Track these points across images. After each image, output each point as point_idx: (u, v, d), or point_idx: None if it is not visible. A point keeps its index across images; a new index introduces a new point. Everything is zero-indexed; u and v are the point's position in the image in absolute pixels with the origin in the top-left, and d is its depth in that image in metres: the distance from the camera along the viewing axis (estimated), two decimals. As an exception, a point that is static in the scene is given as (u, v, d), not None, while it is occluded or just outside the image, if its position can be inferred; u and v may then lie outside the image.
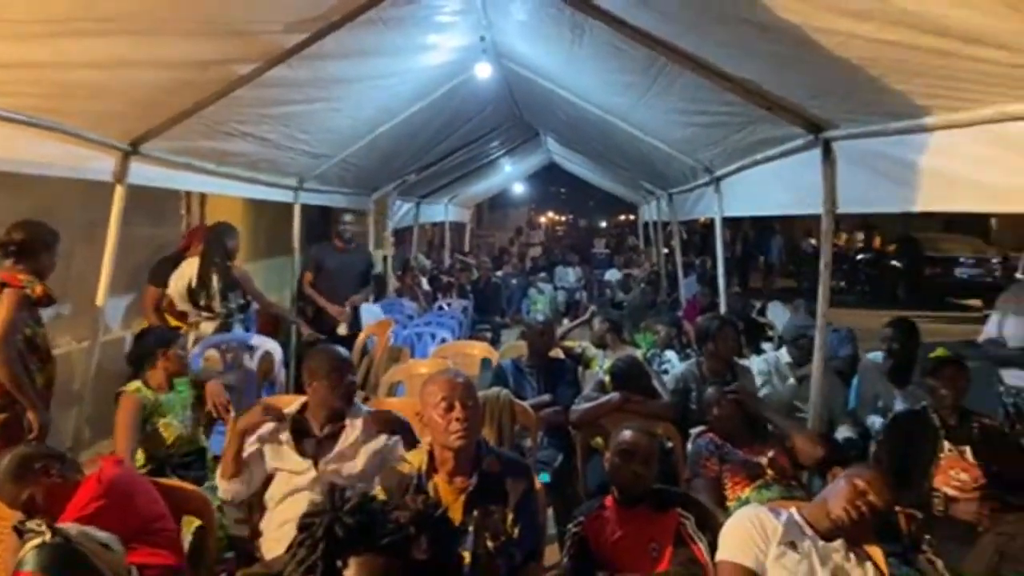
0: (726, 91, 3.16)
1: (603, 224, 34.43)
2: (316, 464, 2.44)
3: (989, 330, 3.22)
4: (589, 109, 5.24)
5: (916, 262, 14.31)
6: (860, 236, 18.39)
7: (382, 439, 2.51)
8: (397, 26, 3.44)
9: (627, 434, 2.41)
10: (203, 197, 6.19)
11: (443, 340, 5.98)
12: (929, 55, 1.80)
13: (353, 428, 2.50)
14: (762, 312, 6.61)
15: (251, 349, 4.32)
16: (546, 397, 3.71)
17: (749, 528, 2.07)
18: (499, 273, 12.23)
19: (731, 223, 15.22)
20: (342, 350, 2.67)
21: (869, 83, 2.21)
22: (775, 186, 3.91)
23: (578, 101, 5.22)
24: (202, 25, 2.58)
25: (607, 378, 3.59)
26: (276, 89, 3.49)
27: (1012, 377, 3.12)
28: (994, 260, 13.62)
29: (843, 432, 3.71)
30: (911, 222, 14.32)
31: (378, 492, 1.99)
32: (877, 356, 3.85)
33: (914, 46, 1.78)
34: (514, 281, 11.96)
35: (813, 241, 16.79)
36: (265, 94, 3.48)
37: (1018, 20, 1.43)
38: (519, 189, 21.91)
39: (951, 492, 2.81)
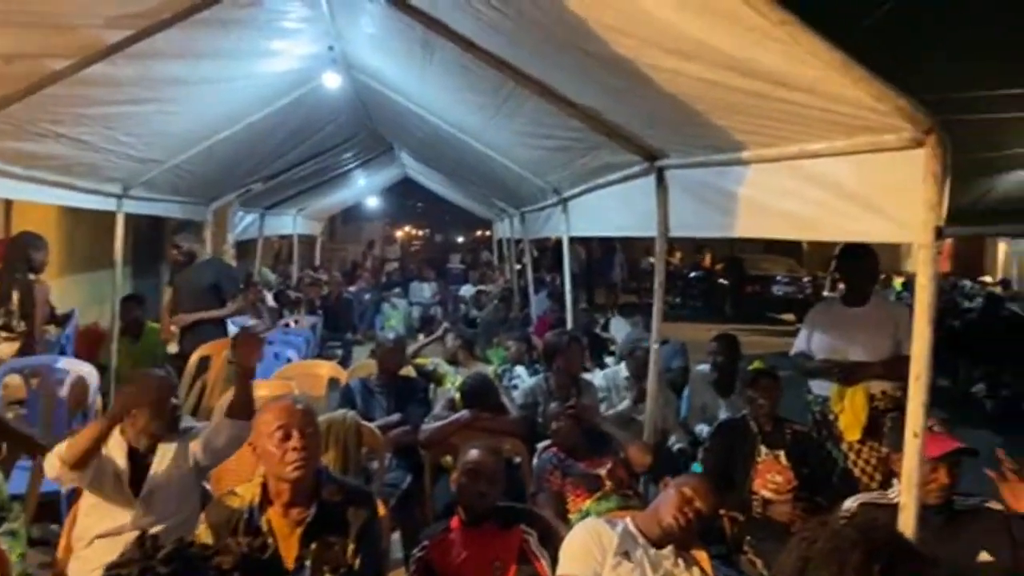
0: (571, 117, 3.30)
1: (460, 239, 34.65)
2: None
3: (799, 344, 3.56)
4: (442, 126, 5.26)
5: (740, 280, 15.69)
6: (707, 255, 19.87)
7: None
8: (237, 28, 3.26)
9: (473, 453, 2.41)
10: (8, 204, 5.51)
11: (288, 360, 5.71)
12: (745, 95, 1.97)
13: (165, 455, 2.31)
14: (605, 327, 6.92)
15: (60, 374, 3.87)
16: (395, 417, 3.64)
17: (587, 541, 2.13)
18: (351, 288, 11.92)
19: (581, 241, 15.94)
20: (160, 373, 2.47)
21: (695, 118, 2.38)
22: (616, 209, 4.12)
23: (431, 118, 5.22)
24: (6, 15, 2.30)
25: (457, 396, 3.58)
26: (97, 88, 3.18)
27: (817, 387, 3.46)
28: (805, 279, 15.26)
29: (676, 441, 3.95)
30: (736, 243, 15.71)
31: (202, 531, 1.84)
32: (704, 368, 4.16)
33: (732, 86, 1.94)
34: (367, 296, 11.71)
35: (652, 259, 17.91)
36: (84, 92, 3.16)
37: (816, 67, 1.60)
38: (374, 202, 21.52)
39: (768, 495, 3.07)
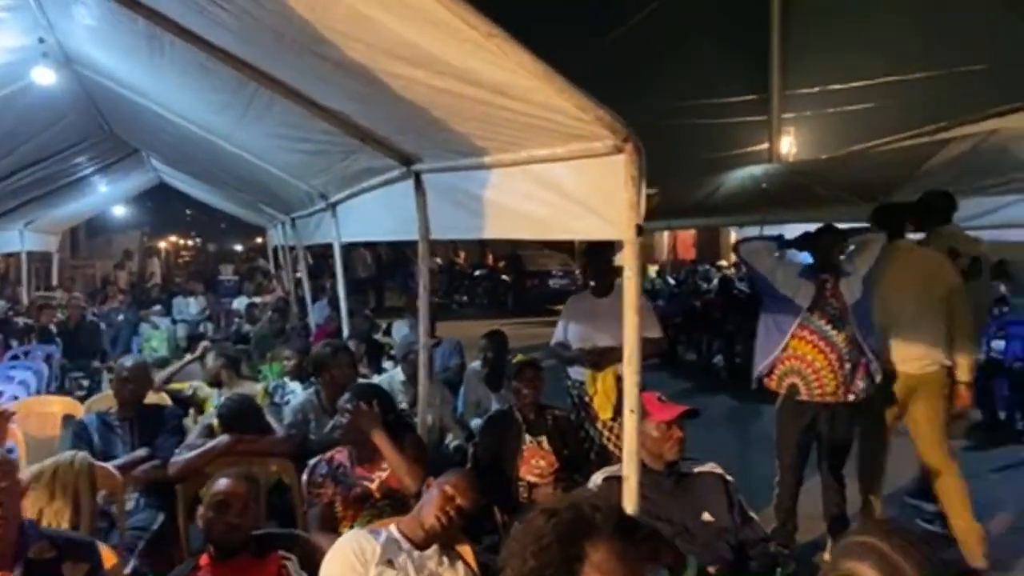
0: (323, 120, 3.21)
1: (239, 247, 32.37)
2: None
3: (557, 334, 3.80)
4: (188, 127, 4.84)
5: (520, 276, 16.51)
6: (489, 254, 20.49)
7: None
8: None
9: (221, 483, 2.24)
10: None
11: (15, 398, 4.92)
12: (475, 103, 2.05)
13: None
14: (388, 331, 6.86)
15: None
16: (141, 452, 3.28)
17: (348, 555, 2.09)
18: (102, 308, 10.59)
19: (370, 245, 15.70)
20: None
21: (438, 123, 2.44)
22: (382, 213, 4.10)
23: (175, 118, 4.79)
24: None
25: (215, 421, 3.32)
26: None
27: (574, 372, 3.73)
28: (577, 272, 16.44)
29: (453, 439, 4.03)
30: (517, 241, 16.51)
31: None
32: (476, 365, 4.29)
33: (460, 94, 2.01)
34: (121, 317, 10.47)
35: (439, 260, 18.20)
36: None
37: (526, 78, 1.70)
38: (126, 211, 19.34)
39: (532, 479, 3.24)
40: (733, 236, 16.40)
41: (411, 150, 3.17)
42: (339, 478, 2.87)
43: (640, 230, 1.79)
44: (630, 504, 1.89)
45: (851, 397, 3.62)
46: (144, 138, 6.91)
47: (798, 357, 3.67)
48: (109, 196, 11.92)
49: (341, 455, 2.91)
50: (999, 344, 6.79)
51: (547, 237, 2.28)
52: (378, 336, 6.35)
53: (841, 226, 4.00)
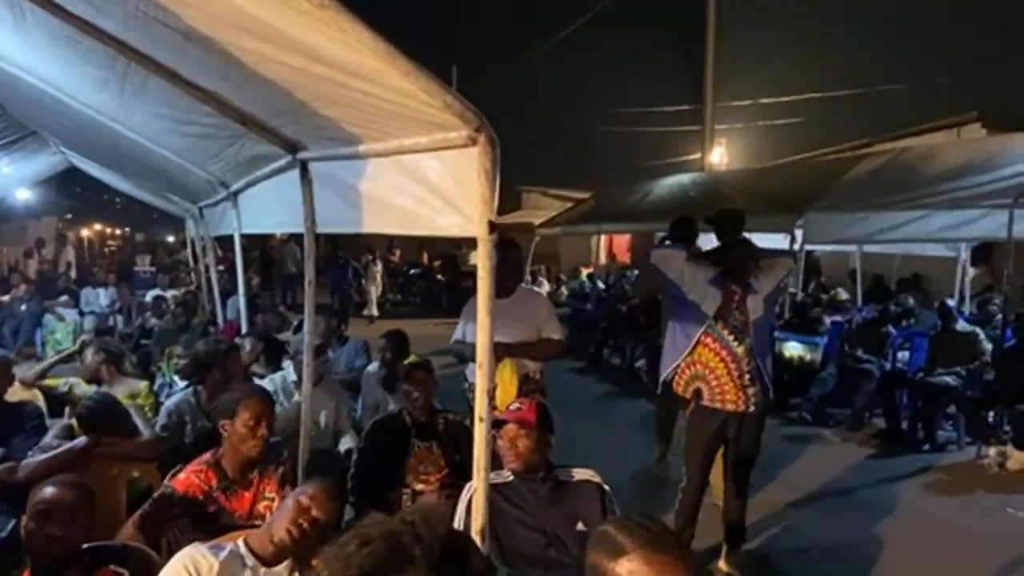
0: (201, 101, 2.99)
1: (171, 239, 31.08)
2: None
3: (457, 334, 3.68)
4: (77, 107, 4.51)
5: (455, 275, 16.34)
6: (424, 253, 20.18)
7: None
8: None
9: (46, 491, 2.04)
10: None
11: None
12: (332, 84, 1.89)
13: None
14: (300, 328, 6.60)
15: None
16: (-9, 453, 2.99)
17: (181, 573, 1.91)
18: (3, 299, 9.95)
19: (296, 237, 15.26)
20: None
21: (305, 107, 2.27)
22: (276, 203, 3.88)
23: (62, 96, 4.44)
24: None
25: (75, 421, 3.07)
26: None
27: (471, 373, 3.61)
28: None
29: (346, 443, 3.86)
30: (452, 239, 16.35)
31: None
32: (374, 366, 4.12)
33: (314, 73, 1.85)
34: (23, 307, 9.86)
35: (371, 257, 17.85)
36: None
37: (370, 57, 1.56)
38: (44, 196, 18.29)
39: (419, 486, 3.10)
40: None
41: (293, 136, 2.98)
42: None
43: (493, 227, 1.68)
44: (479, 517, 1.77)
45: (751, 408, 3.65)
46: (39, 118, 6.46)
47: (702, 363, 3.68)
48: (11, 179, 11.19)
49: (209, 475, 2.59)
50: (904, 355, 7.00)
51: (415, 232, 2.15)
52: (288, 334, 6.10)
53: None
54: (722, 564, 3.78)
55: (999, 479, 5.32)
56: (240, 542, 2.08)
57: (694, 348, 3.70)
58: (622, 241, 18.58)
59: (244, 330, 5.05)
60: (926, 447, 6.02)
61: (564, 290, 14.26)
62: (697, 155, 17.69)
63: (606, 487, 2.49)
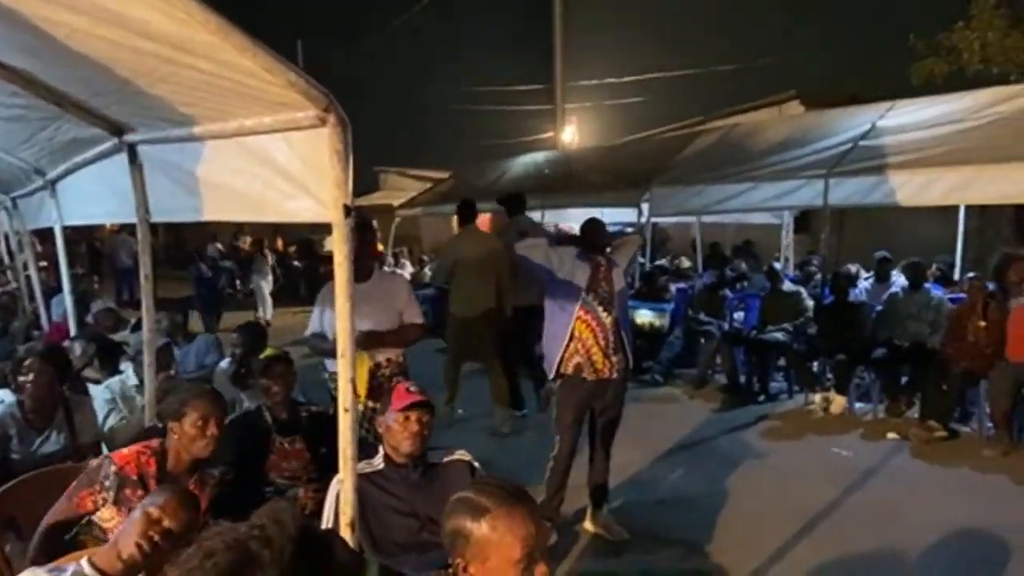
0: (7, 81, 2.64)
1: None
2: None
3: (313, 324, 3.56)
4: None
5: (313, 261, 15.73)
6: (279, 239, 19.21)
7: None
8: None
9: None
10: None
11: None
12: (160, 61, 1.74)
13: None
14: (138, 327, 6.09)
15: None
16: None
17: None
18: None
19: (130, 227, 13.96)
20: None
21: (129, 85, 2.08)
22: (103, 191, 3.53)
23: None
24: None
25: None
26: None
27: (331, 363, 3.51)
28: (372, 256, 16.04)
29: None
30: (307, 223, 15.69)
31: None
32: (225, 363, 3.90)
33: (138, 48, 1.69)
34: None
35: (220, 246, 16.80)
36: None
37: (201, 31, 1.45)
38: None
39: (282, 483, 2.98)
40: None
41: (119, 117, 2.72)
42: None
43: (349, 211, 1.63)
44: (348, 509, 1.73)
45: (615, 375, 3.84)
46: None
47: (581, 340, 3.81)
48: None
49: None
50: (739, 316, 7.64)
51: (263, 219, 2.04)
52: (125, 333, 5.60)
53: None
54: (588, 524, 3.97)
55: (824, 422, 5.98)
56: (84, 561, 1.91)
57: (574, 324, 3.81)
58: (483, 220, 18.73)
59: (74, 331, 4.58)
60: (761, 398, 6.63)
61: (427, 271, 14.19)
62: (550, 133, 18.15)
63: (476, 464, 2.53)
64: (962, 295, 6.21)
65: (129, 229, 13.83)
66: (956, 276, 7.61)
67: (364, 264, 3.59)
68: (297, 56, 22.26)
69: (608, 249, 4.01)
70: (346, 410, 1.75)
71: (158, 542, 1.91)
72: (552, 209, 10.39)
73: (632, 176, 8.78)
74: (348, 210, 1.63)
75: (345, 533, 1.80)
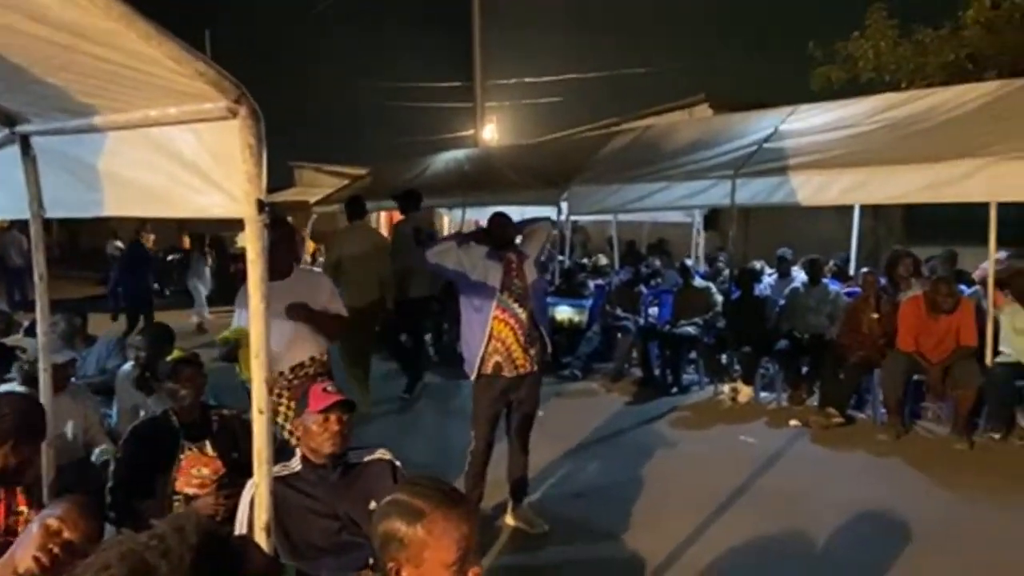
0: None
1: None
2: None
3: (234, 324, 3.45)
4: None
5: (223, 259, 15.13)
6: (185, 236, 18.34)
7: None
8: None
9: None
10: None
11: None
12: (57, 48, 1.64)
13: None
14: (32, 330, 5.70)
15: None
16: None
17: None
18: None
19: (20, 224, 13.03)
20: None
21: (22, 72, 1.94)
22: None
23: None
24: None
25: None
26: None
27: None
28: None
29: (102, 454, 3.45)
30: (215, 220, 15.03)
31: None
32: (128, 367, 3.72)
33: (32, 34, 1.59)
34: None
35: (119, 243, 15.92)
36: None
37: (102, 17, 1.38)
38: None
39: (192, 491, 2.87)
40: (445, 219, 16.93)
41: (14, 107, 2.54)
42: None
43: (263, 206, 1.59)
44: (262, 514, 1.69)
45: (534, 368, 3.89)
46: None
47: (500, 339, 3.83)
48: None
49: None
50: (654, 311, 7.88)
51: (170, 214, 1.96)
52: (17, 336, 5.23)
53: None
54: (508, 518, 4.02)
55: (732, 411, 6.26)
56: (-30, 584, 1.79)
57: (492, 324, 3.83)
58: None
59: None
60: (674, 390, 6.88)
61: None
62: (471, 131, 18.16)
63: (397, 463, 2.51)
64: (857, 289, 6.64)
65: (19, 226, 12.97)
66: (852, 271, 8.11)
67: (282, 261, 3.54)
68: (205, 46, 21.37)
69: (519, 239, 4.06)
70: (260, 411, 1.71)
71: (58, 555, 1.81)
72: (473, 207, 10.41)
73: (551, 175, 8.91)
74: (262, 205, 1.59)
75: (260, 538, 1.76)
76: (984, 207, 5.42)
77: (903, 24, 12.65)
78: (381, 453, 2.54)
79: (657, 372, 7.10)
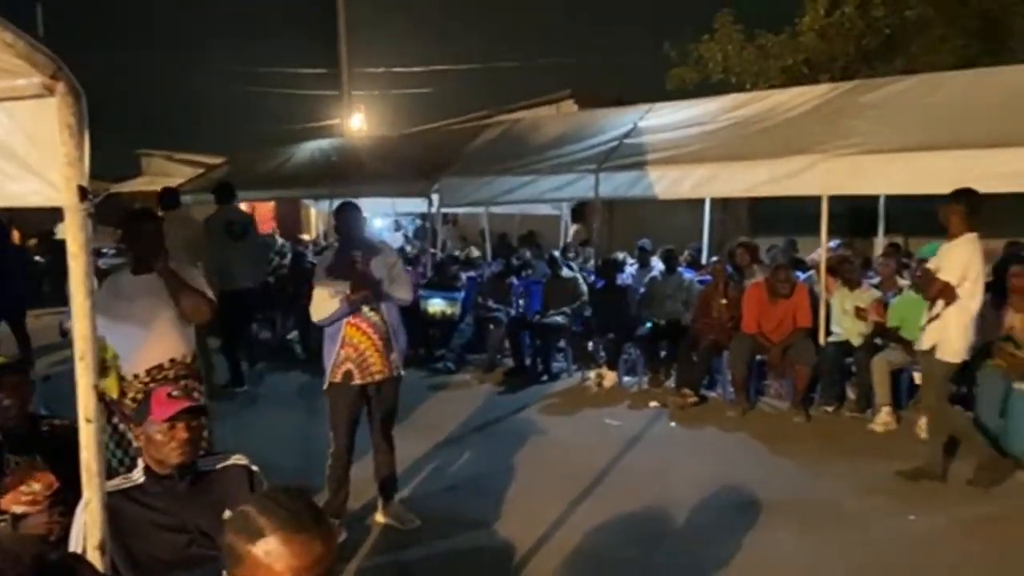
0: None
1: None
2: None
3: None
4: None
5: (59, 256, 13.76)
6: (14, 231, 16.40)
7: None
8: None
9: None
10: None
11: None
12: None
13: None
14: None
15: None
16: None
17: None
18: None
19: None
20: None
21: None
22: None
23: None
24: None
25: None
26: None
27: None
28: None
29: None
30: (50, 215, 13.61)
31: None
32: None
33: None
34: None
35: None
36: None
37: None
38: None
39: (22, 509, 2.59)
40: (312, 211, 16.34)
41: None
42: None
43: (85, 193, 1.44)
44: (96, 532, 1.55)
45: (395, 373, 3.82)
46: None
47: (352, 345, 3.73)
48: None
49: None
50: (524, 301, 8.03)
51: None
52: None
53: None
54: (379, 516, 3.95)
55: (598, 396, 6.51)
56: None
57: (344, 331, 3.72)
58: (266, 209, 17.71)
59: None
60: (544, 378, 7.05)
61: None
62: (338, 120, 17.60)
63: (254, 468, 2.38)
64: (708, 277, 7.09)
65: None
66: (704, 260, 8.67)
67: (146, 255, 3.36)
68: (37, 23, 19.25)
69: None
70: (88, 421, 1.57)
71: None
72: (340, 198, 10.10)
73: (422, 166, 8.83)
74: (84, 192, 1.45)
75: (93, 557, 1.61)
76: (818, 200, 5.95)
77: (748, 29, 13.64)
78: (236, 459, 2.40)
79: (528, 361, 7.24)
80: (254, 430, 5.52)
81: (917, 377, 5.26)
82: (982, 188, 4.28)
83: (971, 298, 4.13)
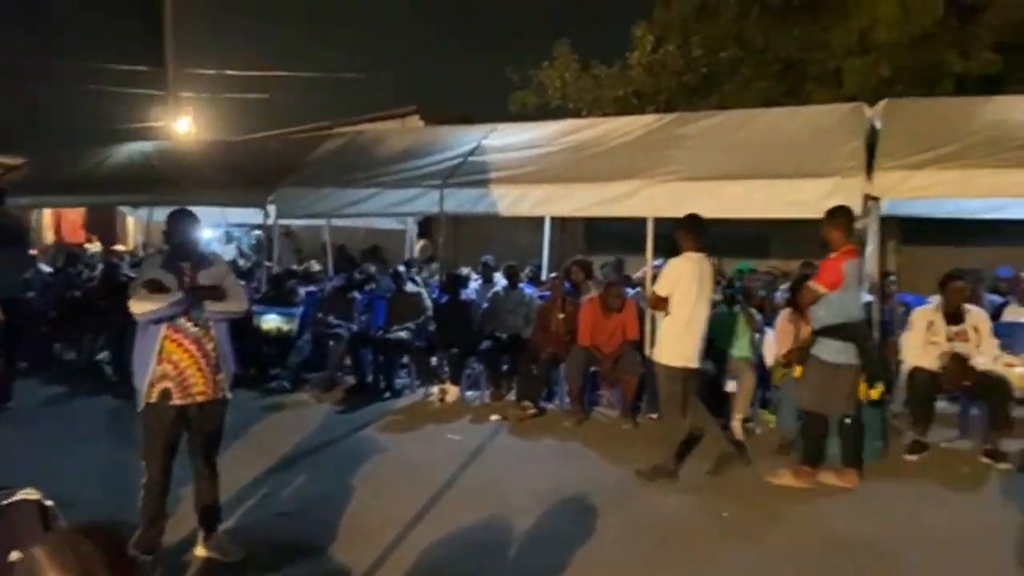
0: None
1: None
2: None
3: None
4: None
5: None
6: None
7: None
8: None
9: None
10: None
11: None
12: None
13: None
14: None
15: None
16: None
17: None
18: None
19: None
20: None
21: None
22: None
23: None
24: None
25: None
26: None
27: None
28: None
29: None
30: None
31: None
32: None
33: None
34: None
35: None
36: None
37: None
38: None
39: None
40: (130, 219, 14.97)
41: None
42: None
43: None
44: None
45: (220, 395, 3.59)
46: None
47: (172, 361, 3.45)
48: None
49: None
50: (367, 317, 7.88)
51: None
52: None
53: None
54: (199, 549, 3.66)
55: (441, 411, 6.50)
56: None
57: (163, 344, 3.44)
58: (74, 216, 16.00)
59: None
60: (387, 395, 6.94)
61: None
62: (162, 122, 16.32)
63: (48, 503, 2.12)
64: (547, 293, 7.36)
65: None
66: (544, 277, 8.98)
67: None
68: None
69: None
70: None
71: None
72: (165, 206, 9.36)
73: (257, 175, 8.42)
74: None
75: None
76: (644, 222, 6.38)
77: (584, 59, 14.45)
78: (26, 493, 2.12)
79: (370, 378, 7.09)
80: (62, 460, 4.94)
81: (731, 385, 5.81)
82: (783, 214, 4.82)
83: (681, 308, 4.76)
